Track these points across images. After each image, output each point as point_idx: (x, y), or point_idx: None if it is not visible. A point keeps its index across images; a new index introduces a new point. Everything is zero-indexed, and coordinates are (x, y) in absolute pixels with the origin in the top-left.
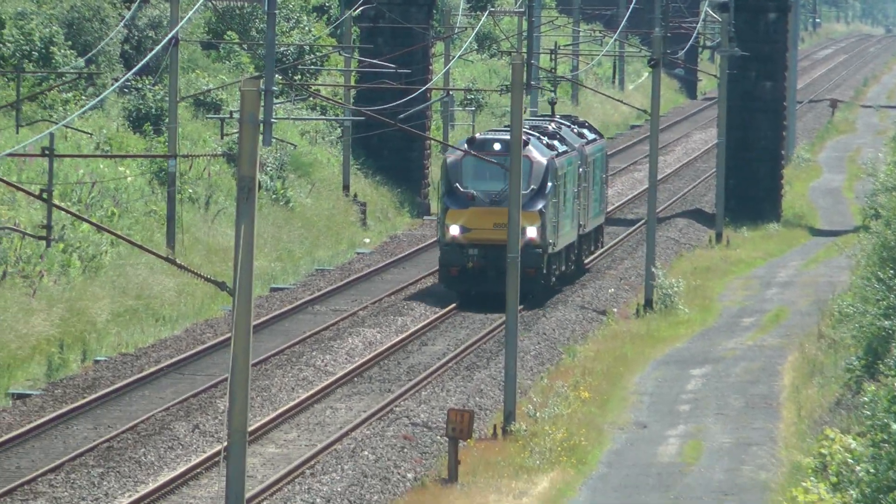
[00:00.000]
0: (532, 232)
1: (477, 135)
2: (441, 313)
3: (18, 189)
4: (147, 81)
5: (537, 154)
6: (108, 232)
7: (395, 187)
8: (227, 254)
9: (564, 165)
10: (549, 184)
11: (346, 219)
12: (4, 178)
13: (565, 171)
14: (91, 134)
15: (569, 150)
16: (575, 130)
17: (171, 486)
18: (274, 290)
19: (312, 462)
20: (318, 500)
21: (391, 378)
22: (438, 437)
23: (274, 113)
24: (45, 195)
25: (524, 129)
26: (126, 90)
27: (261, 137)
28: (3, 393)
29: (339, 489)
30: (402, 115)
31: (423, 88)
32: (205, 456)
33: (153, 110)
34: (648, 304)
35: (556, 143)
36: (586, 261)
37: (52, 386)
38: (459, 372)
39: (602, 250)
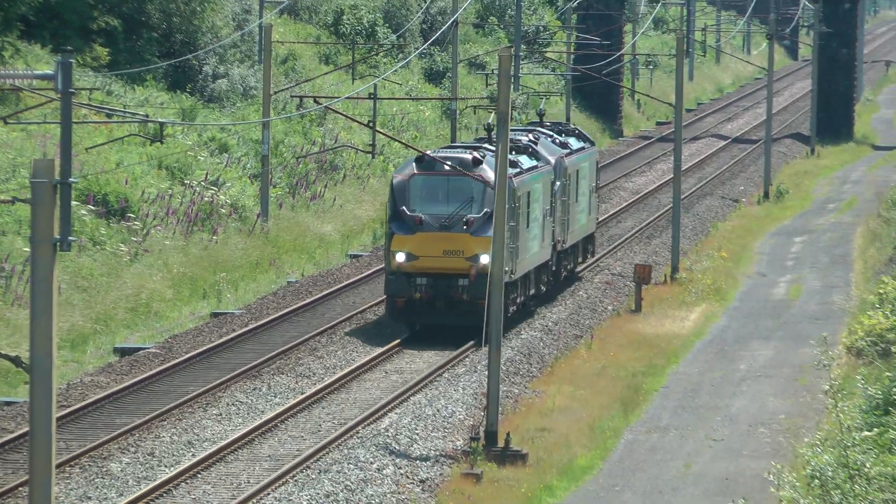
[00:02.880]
0: (485, 260)
1: (427, 152)
2: (626, 203)
3: (354, 120)
4: (437, 50)
5: (492, 174)
6: (413, 148)
7: (599, 120)
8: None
9: (528, 183)
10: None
11: None
12: (345, 113)
13: (529, 190)
14: (401, 84)
15: (538, 166)
16: (557, 141)
17: None
18: None
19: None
20: (549, 323)
21: (598, 242)
22: (629, 283)
23: (520, 70)
24: (370, 124)
25: (483, 147)
26: (423, 56)
27: (511, 86)
28: (344, 253)
29: (563, 316)
30: (604, 72)
31: (618, 54)
32: None
33: (441, 69)
34: (766, 195)
35: (522, 158)
36: (578, 269)
37: (375, 249)
38: (642, 240)
39: (593, 259)
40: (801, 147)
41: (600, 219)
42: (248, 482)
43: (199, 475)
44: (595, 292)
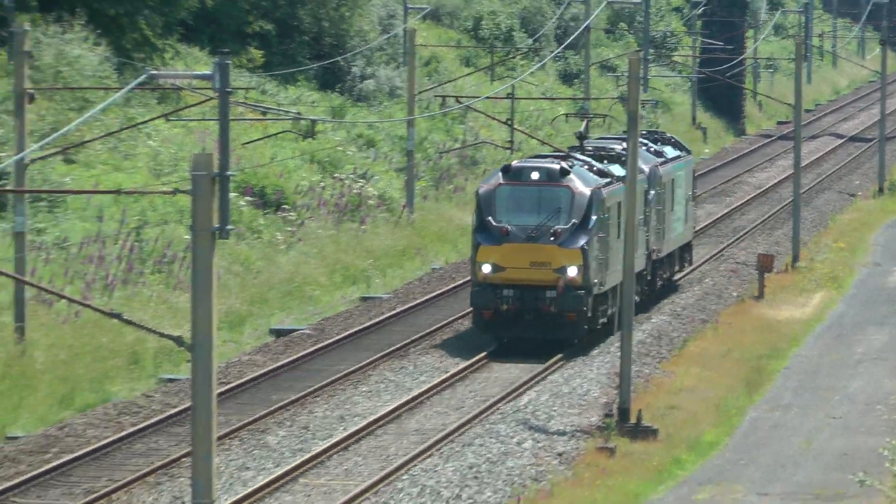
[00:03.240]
0: (573, 272)
1: (514, 162)
2: (750, 197)
3: (493, 118)
4: (571, 53)
5: (580, 184)
6: (548, 144)
7: (723, 119)
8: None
9: (618, 194)
10: (594, 217)
11: (695, 137)
12: (485, 112)
13: (620, 200)
14: (536, 85)
15: (617, 179)
16: (652, 149)
17: None
18: None
19: (678, 284)
20: (678, 309)
21: (721, 234)
22: (752, 271)
23: (648, 72)
24: (509, 122)
25: (573, 156)
26: (558, 59)
27: (640, 88)
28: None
29: (691, 301)
30: (727, 74)
31: (740, 58)
32: None
33: (574, 71)
34: (881, 189)
35: (613, 168)
36: (676, 278)
37: None
38: (764, 231)
39: (692, 267)
40: None
41: (725, 212)
42: (397, 454)
43: (350, 448)
44: (721, 280)
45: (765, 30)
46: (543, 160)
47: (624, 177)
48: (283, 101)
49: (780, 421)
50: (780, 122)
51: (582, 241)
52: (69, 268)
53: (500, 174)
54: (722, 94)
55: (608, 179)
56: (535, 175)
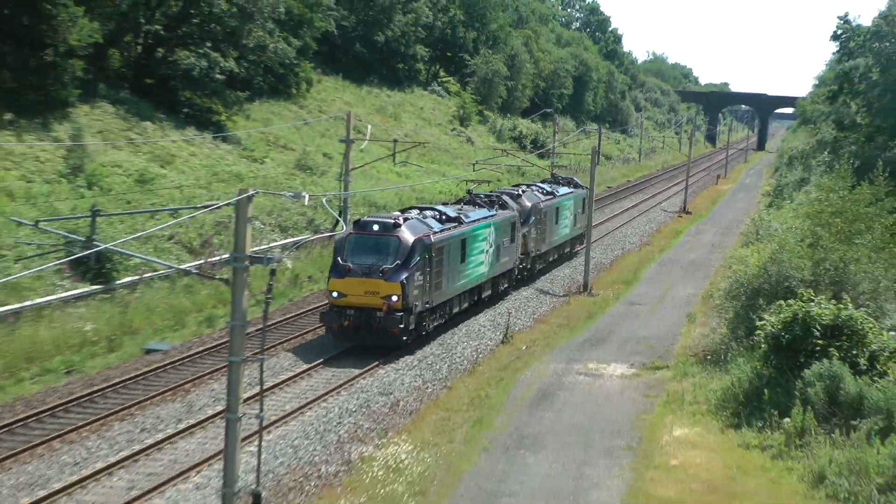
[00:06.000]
0: (395, 298)
1: (361, 218)
2: None
3: None
4: None
5: (407, 234)
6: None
7: None
8: None
9: (457, 237)
10: (417, 258)
11: None
12: None
13: (465, 238)
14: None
15: (494, 215)
16: (545, 191)
17: None
18: None
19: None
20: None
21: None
22: None
23: None
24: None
25: (432, 208)
26: None
27: None
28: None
29: None
30: None
31: None
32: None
33: None
34: None
35: (475, 213)
36: (576, 250)
37: None
38: None
39: (580, 247)
40: None
41: None
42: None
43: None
44: None
45: None
46: (382, 218)
47: (483, 217)
48: None
49: None
50: None
51: (402, 276)
52: None
53: (352, 226)
54: None
55: (446, 226)
56: (375, 227)
